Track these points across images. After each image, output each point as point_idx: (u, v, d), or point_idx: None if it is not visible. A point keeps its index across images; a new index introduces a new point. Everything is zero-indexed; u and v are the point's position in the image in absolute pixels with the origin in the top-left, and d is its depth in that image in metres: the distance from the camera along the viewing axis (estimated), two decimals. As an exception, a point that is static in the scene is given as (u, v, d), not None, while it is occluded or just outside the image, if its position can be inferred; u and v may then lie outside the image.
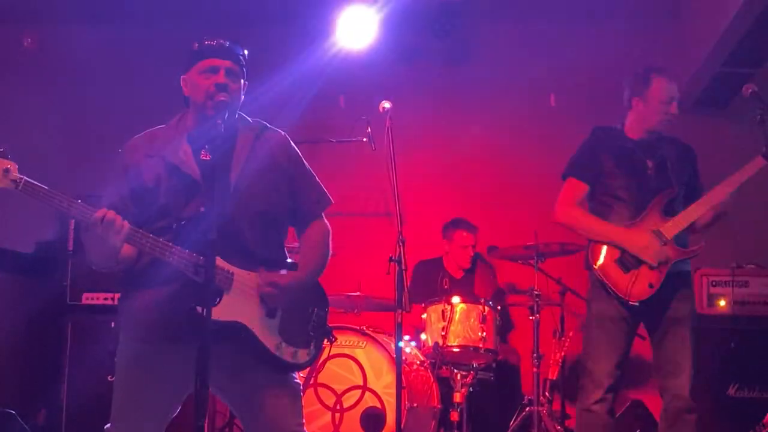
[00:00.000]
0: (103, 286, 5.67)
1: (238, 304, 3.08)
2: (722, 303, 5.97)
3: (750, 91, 4.22)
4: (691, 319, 4.30)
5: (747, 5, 5.16)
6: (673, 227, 4.24)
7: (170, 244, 2.95)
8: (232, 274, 3.07)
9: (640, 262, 4.22)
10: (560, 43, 7.10)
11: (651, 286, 4.19)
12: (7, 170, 2.76)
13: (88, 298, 5.70)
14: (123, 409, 3.10)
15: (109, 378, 5.23)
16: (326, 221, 3.43)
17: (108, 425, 3.12)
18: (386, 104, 4.65)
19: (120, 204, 3.03)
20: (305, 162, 3.40)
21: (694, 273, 6.08)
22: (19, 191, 2.79)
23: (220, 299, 3.03)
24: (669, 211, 4.29)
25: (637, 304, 4.20)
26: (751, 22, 5.33)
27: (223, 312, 3.02)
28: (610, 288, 4.23)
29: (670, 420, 4.23)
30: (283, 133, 3.37)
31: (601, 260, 4.28)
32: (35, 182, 2.82)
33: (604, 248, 4.29)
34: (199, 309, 2.83)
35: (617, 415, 5.68)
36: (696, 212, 4.27)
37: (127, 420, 3.08)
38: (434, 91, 7.22)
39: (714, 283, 6.01)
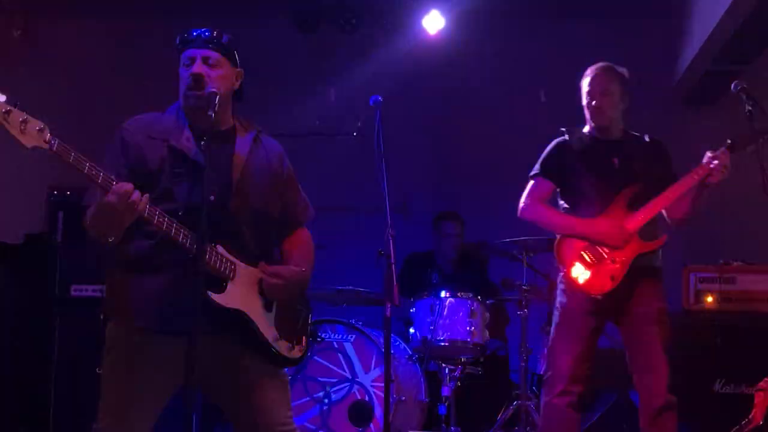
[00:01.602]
0: (91, 278, 5.66)
1: (241, 294, 3.10)
2: (709, 299, 6.00)
3: (739, 87, 4.23)
4: (659, 314, 4.30)
5: (736, 4, 5.18)
6: (635, 221, 4.27)
7: (182, 226, 2.94)
8: (235, 264, 3.09)
9: (602, 257, 4.25)
10: (551, 39, 7.12)
11: (613, 278, 4.21)
12: (41, 129, 2.69)
13: (77, 290, 5.68)
14: (113, 403, 3.06)
15: (97, 370, 5.27)
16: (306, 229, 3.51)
17: (96, 423, 3.07)
18: (377, 98, 4.64)
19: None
20: (293, 172, 3.46)
21: (682, 269, 6.14)
22: (53, 152, 2.72)
23: (226, 285, 3.05)
24: (634, 207, 4.31)
25: (599, 297, 4.22)
26: (740, 21, 5.36)
27: (227, 299, 3.04)
28: (574, 282, 4.27)
29: (650, 418, 4.22)
30: (276, 141, 3.42)
31: (565, 254, 4.33)
32: (67, 145, 2.75)
33: (569, 243, 4.34)
34: (208, 293, 2.91)
35: (603, 413, 5.71)
36: (656, 207, 4.29)
37: (117, 415, 3.05)
38: (425, 85, 7.22)
39: (701, 280, 6.05)
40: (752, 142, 4.23)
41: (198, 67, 3.09)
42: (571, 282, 4.29)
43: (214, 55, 3.13)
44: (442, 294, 5.30)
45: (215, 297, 2.99)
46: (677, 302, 6.23)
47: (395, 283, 4.19)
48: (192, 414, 2.64)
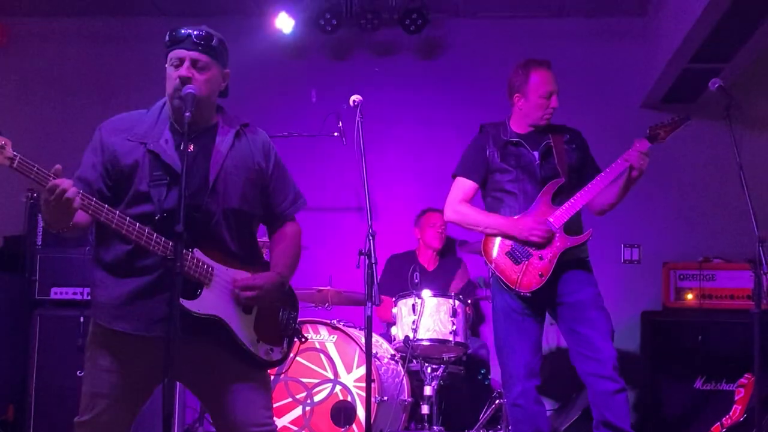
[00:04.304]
0: (71, 280, 5.64)
1: (217, 299, 3.08)
2: (689, 296, 6.04)
3: (717, 85, 4.25)
4: (597, 301, 4.29)
5: (714, 2, 5.20)
6: (561, 216, 4.27)
7: (136, 223, 2.92)
8: (212, 268, 3.08)
9: (529, 254, 4.25)
10: (529, 39, 7.12)
11: (541, 275, 4.22)
12: (1, 147, 2.68)
13: (57, 293, 5.66)
14: (93, 399, 3.07)
15: (78, 373, 5.25)
16: (297, 222, 3.47)
17: (77, 417, 3.10)
18: (357, 98, 4.64)
19: (93, 177, 3.03)
20: (283, 164, 3.41)
21: (662, 267, 6.18)
22: (13, 168, 2.71)
23: (200, 292, 3.03)
24: (559, 200, 4.32)
25: (529, 294, 4.23)
26: (717, 19, 5.38)
27: (201, 305, 3.02)
28: (502, 280, 4.27)
29: (601, 402, 4.17)
30: (264, 133, 3.38)
31: (494, 254, 4.32)
32: (29, 161, 2.74)
33: (497, 242, 4.33)
34: (181, 301, 2.86)
35: (582, 412, 5.71)
36: (580, 201, 4.30)
37: (96, 410, 3.06)
38: (405, 85, 7.22)
39: (681, 277, 6.08)
40: (670, 132, 4.28)
41: (186, 70, 3.06)
42: (500, 281, 4.29)
43: (203, 59, 3.09)
44: (424, 293, 5.30)
45: (187, 304, 2.97)
46: (657, 299, 6.26)
47: (376, 282, 4.19)
48: (171, 416, 2.62)
